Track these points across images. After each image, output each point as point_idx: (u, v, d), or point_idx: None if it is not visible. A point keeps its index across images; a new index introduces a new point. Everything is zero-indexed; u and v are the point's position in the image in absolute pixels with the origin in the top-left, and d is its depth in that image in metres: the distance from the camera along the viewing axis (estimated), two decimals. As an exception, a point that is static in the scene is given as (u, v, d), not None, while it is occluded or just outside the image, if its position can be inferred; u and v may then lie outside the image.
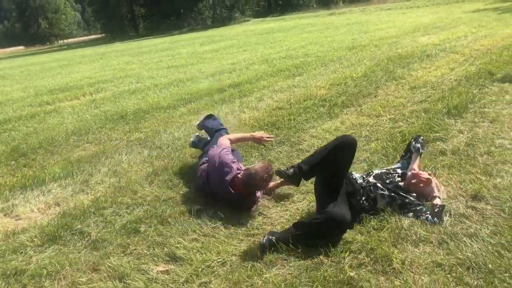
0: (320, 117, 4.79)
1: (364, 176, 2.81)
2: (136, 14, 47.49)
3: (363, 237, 2.37)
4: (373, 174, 2.80)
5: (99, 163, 4.07)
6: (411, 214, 2.52)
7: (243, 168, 3.07)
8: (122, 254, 2.48)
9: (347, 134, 3.36)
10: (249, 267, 2.23)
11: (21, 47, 50.42)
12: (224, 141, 3.27)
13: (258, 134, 3.42)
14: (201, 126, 3.93)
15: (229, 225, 2.69)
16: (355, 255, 2.24)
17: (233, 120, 5.01)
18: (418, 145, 2.92)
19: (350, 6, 36.16)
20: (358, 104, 5.17)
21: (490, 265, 2.03)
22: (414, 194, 2.63)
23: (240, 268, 2.24)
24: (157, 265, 2.35)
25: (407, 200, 2.59)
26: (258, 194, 2.97)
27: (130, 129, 5.20)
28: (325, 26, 18.46)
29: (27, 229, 2.90)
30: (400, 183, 2.73)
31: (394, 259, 2.15)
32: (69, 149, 4.67)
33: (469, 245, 2.21)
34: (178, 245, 2.49)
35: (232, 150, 3.28)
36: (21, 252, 2.60)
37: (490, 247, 2.17)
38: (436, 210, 2.48)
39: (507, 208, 2.49)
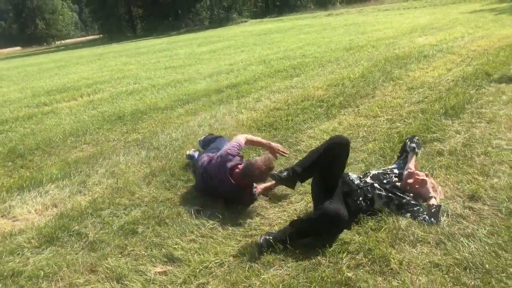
0: (317, 117, 4.80)
1: (361, 176, 2.82)
2: (134, 15, 47.49)
3: (360, 237, 2.37)
4: (370, 175, 2.81)
5: (96, 164, 4.06)
6: (408, 214, 2.53)
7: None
8: (119, 255, 2.48)
9: (340, 134, 3.35)
10: (247, 268, 2.23)
11: (18, 48, 50.29)
12: (240, 138, 3.30)
13: (275, 144, 3.40)
14: (201, 143, 3.83)
15: (227, 226, 2.69)
16: (353, 255, 2.24)
17: (230, 121, 5.01)
18: (413, 145, 2.94)
19: (347, 7, 36.16)
20: (355, 104, 5.17)
21: (487, 265, 2.04)
22: (411, 195, 2.64)
23: (238, 268, 2.24)
24: (155, 266, 2.35)
25: (404, 201, 2.60)
26: (255, 190, 2.97)
27: (127, 130, 5.19)
28: (322, 27, 18.47)
29: (24, 230, 2.90)
30: (397, 183, 2.73)
31: (392, 260, 2.15)
32: (66, 150, 4.66)
33: (466, 245, 2.21)
34: (176, 246, 2.49)
35: None
36: (18, 254, 2.60)
37: (487, 247, 2.18)
38: (432, 211, 2.49)
39: (504, 209, 2.50)
